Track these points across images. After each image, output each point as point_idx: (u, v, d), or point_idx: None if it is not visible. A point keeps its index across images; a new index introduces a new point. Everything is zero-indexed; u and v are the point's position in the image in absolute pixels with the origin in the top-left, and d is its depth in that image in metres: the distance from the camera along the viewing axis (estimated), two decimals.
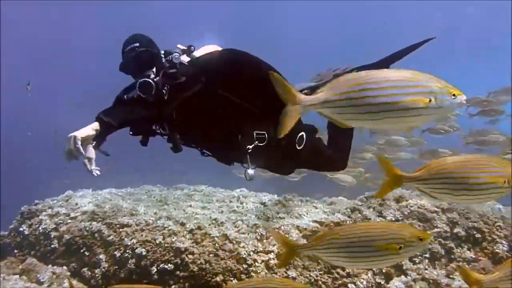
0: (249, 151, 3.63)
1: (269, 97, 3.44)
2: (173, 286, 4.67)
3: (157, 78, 3.38)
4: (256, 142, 3.63)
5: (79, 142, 2.92)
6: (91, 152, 3.22)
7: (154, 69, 3.46)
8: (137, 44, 3.49)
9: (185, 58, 3.57)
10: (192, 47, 3.60)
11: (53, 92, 23.24)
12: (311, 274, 4.76)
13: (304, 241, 5.07)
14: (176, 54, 3.48)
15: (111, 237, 5.07)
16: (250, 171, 3.67)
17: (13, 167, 16.94)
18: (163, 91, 3.38)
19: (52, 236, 5.14)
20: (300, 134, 3.80)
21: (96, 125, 3.11)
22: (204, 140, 3.74)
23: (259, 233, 5.21)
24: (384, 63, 4.23)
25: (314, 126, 4.19)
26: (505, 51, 20.97)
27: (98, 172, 3.11)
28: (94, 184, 6.56)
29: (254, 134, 3.64)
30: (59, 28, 24.55)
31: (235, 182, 8.04)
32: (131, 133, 3.61)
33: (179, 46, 3.58)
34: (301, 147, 3.83)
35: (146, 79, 3.35)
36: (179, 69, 3.46)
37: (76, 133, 2.95)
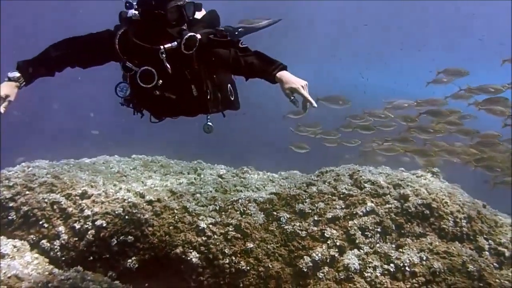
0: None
1: None
2: (133, 258, 4.75)
3: (198, 34, 3.46)
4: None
5: None
6: (12, 92, 3.19)
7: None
8: None
9: None
10: (200, 3, 3.65)
11: None
12: (268, 247, 4.92)
13: (263, 215, 5.22)
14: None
15: (71, 209, 5.06)
16: (210, 123, 4.01)
17: None
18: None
19: (9, 208, 5.04)
20: (228, 86, 4.12)
21: None
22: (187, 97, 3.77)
23: (218, 206, 5.32)
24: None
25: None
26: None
27: (1, 111, 3.08)
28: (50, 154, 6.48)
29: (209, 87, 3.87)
30: None
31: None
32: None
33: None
34: (233, 97, 4.16)
35: (194, 34, 3.44)
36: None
37: None
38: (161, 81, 3.50)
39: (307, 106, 3.18)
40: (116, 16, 3.63)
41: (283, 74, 3.22)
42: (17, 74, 3.25)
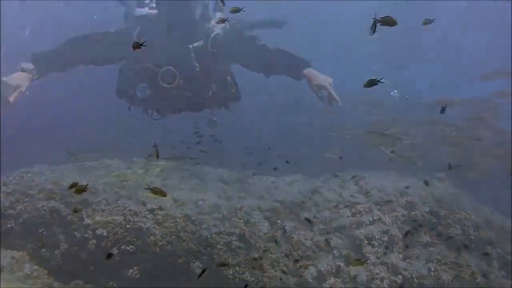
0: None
1: None
2: (134, 268, 4.65)
3: (221, 32, 3.61)
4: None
5: None
6: (24, 82, 3.09)
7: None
8: None
9: None
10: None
11: None
12: (272, 257, 4.83)
13: (267, 224, 5.13)
14: None
15: (70, 217, 4.94)
16: (214, 118, 4.11)
17: None
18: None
19: (8, 216, 4.94)
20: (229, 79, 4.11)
21: None
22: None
23: (221, 214, 5.21)
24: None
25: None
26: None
27: (11, 100, 2.96)
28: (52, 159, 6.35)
29: None
30: None
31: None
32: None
33: None
34: (234, 89, 4.15)
35: (219, 32, 3.56)
36: None
37: None
38: (181, 80, 3.51)
39: (333, 103, 3.23)
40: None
41: (309, 71, 3.31)
42: (30, 66, 3.18)
